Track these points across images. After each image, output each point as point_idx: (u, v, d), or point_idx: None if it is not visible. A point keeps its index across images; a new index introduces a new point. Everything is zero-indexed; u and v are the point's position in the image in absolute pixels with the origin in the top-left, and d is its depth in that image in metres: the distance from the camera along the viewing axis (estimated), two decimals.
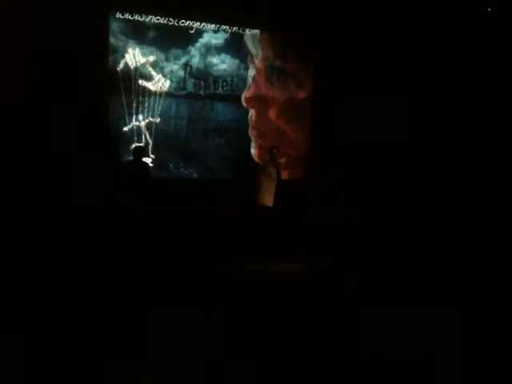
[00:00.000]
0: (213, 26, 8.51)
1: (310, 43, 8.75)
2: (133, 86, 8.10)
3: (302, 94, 8.98)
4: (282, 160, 8.74)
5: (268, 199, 7.70)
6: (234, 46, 8.67)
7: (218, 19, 8.45)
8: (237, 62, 8.72)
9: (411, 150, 7.26)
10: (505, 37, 6.50)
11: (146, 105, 8.22)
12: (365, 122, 7.86)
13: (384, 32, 7.73)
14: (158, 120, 8.29)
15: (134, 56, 8.10)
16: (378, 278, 5.88)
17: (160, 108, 8.30)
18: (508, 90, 6.49)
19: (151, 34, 8.18)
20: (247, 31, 8.69)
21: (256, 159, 8.86)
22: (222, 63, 8.64)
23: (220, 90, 8.65)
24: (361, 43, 8.00)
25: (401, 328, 4.45)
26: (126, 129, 8.10)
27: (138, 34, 8.10)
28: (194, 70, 8.48)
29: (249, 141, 8.85)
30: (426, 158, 7.08)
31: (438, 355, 3.87)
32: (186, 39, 8.40)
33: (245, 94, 8.77)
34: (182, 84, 8.43)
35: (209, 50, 8.54)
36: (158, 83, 8.28)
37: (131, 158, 7.50)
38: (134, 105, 8.14)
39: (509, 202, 6.18)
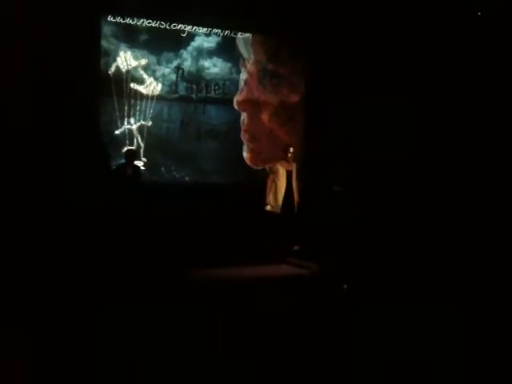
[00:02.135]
0: (205, 29, 8.51)
1: (303, 46, 8.78)
2: (124, 90, 8.08)
3: (294, 98, 9.00)
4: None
5: (276, 205, 7.54)
6: (226, 50, 8.68)
7: (209, 23, 8.46)
8: (229, 65, 8.73)
9: (406, 153, 7.29)
10: (500, 41, 6.54)
11: (138, 108, 8.20)
12: (358, 125, 7.89)
13: (377, 35, 7.77)
14: (150, 123, 8.27)
15: (126, 59, 8.08)
16: (372, 281, 5.90)
17: (152, 111, 8.28)
18: (506, 92, 6.52)
19: (143, 37, 8.16)
20: (239, 35, 8.70)
21: (248, 163, 8.86)
22: (214, 67, 8.64)
23: (212, 94, 8.65)
24: (354, 46, 8.03)
25: (395, 331, 4.46)
26: (117, 132, 8.07)
27: (130, 37, 8.08)
28: (185, 73, 8.47)
29: (241, 144, 8.85)
30: (423, 161, 7.11)
31: (434, 357, 3.88)
32: (177, 43, 8.40)
33: (237, 98, 8.77)
34: (173, 87, 8.43)
35: (201, 53, 8.54)
36: (150, 86, 8.27)
37: (123, 161, 7.48)
38: (126, 108, 8.11)
39: (507, 203, 6.20)
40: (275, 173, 7.70)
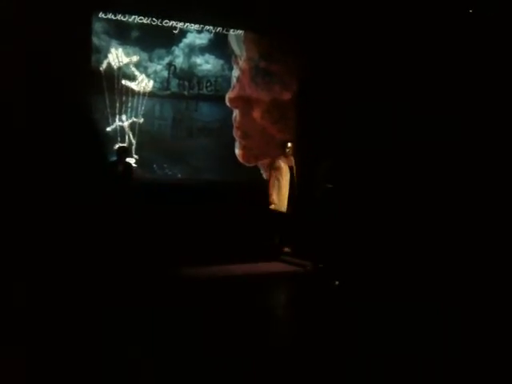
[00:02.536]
0: (196, 26, 8.47)
1: (295, 44, 8.77)
2: (116, 86, 8.03)
3: (286, 95, 9.00)
4: (266, 161, 8.71)
5: (282, 203, 7.38)
6: (218, 47, 8.65)
7: (201, 19, 8.42)
8: (221, 62, 8.70)
9: (397, 150, 7.33)
10: (497, 40, 6.58)
11: (130, 105, 8.15)
12: (351, 122, 7.90)
13: (370, 34, 7.78)
14: (142, 120, 8.23)
15: (117, 56, 8.03)
16: (364, 278, 5.94)
17: (143, 108, 8.24)
18: (503, 91, 6.56)
19: (134, 34, 8.11)
20: (231, 31, 8.68)
21: (240, 160, 8.85)
22: (206, 63, 8.61)
23: (204, 91, 8.62)
24: (347, 44, 8.04)
25: (386, 325, 4.51)
26: (109, 129, 8.02)
27: (122, 33, 8.03)
28: (177, 70, 8.43)
29: (233, 141, 8.84)
30: (414, 159, 7.15)
31: (424, 356, 3.91)
32: (169, 39, 8.36)
33: (229, 95, 8.75)
34: (165, 84, 8.39)
35: (193, 50, 8.51)
36: (142, 83, 8.22)
37: (114, 158, 7.43)
38: (118, 105, 8.06)
39: (506, 202, 6.24)
40: (277, 169, 7.44)
